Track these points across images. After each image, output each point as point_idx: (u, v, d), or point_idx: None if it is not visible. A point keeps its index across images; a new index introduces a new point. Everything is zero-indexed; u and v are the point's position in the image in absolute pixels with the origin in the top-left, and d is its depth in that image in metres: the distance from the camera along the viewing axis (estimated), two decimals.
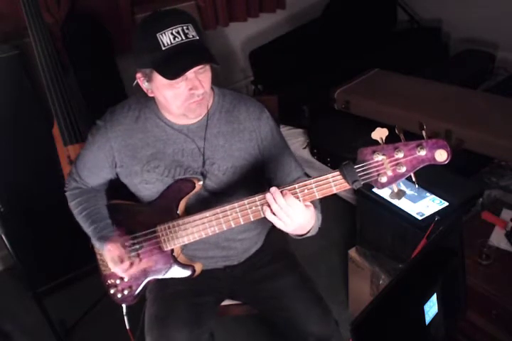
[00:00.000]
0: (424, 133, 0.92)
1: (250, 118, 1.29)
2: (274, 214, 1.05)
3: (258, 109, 1.30)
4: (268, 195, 1.04)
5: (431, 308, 1.07)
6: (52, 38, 1.91)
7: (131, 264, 1.28)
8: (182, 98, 1.15)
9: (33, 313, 2.04)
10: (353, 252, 1.90)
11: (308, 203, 1.07)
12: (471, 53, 3.13)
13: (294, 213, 1.04)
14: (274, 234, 1.52)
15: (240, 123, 1.28)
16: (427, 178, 1.55)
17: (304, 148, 2.78)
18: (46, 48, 1.81)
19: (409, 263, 1.10)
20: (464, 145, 2.16)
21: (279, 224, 1.07)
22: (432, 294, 1.08)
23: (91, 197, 1.38)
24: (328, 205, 1.09)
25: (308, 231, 1.15)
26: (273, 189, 1.04)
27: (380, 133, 0.95)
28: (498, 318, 1.47)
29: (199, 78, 1.13)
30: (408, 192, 1.69)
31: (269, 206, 1.05)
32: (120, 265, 1.27)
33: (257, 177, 1.35)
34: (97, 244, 1.34)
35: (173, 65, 1.07)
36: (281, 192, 1.03)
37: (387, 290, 0.97)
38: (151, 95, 1.21)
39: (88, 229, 1.34)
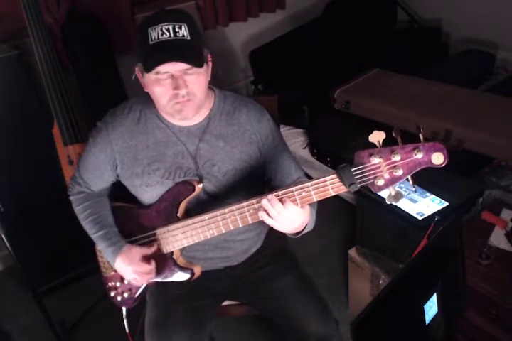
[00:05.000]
0: (421, 136, 0.92)
1: (251, 120, 1.28)
2: (271, 218, 1.06)
3: (259, 112, 1.30)
4: (264, 202, 1.05)
5: (431, 308, 1.07)
6: (53, 38, 1.91)
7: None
8: (166, 96, 1.15)
9: (33, 313, 2.04)
10: (353, 252, 1.90)
11: None
12: (471, 53, 3.13)
13: (291, 216, 1.05)
14: (273, 234, 1.51)
15: (241, 125, 1.28)
16: (427, 178, 1.56)
17: (304, 148, 2.78)
18: (46, 48, 1.80)
19: (409, 263, 1.10)
20: (463, 145, 2.16)
21: (277, 227, 1.08)
22: (432, 294, 1.08)
23: (96, 202, 1.37)
24: (328, 205, 1.09)
25: (304, 228, 1.15)
26: (270, 196, 1.04)
27: (377, 137, 0.95)
28: (498, 318, 1.47)
29: (185, 78, 1.13)
30: (408, 191, 1.69)
31: (265, 211, 1.05)
32: (147, 266, 1.23)
33: (257, 180, 1.34)
34: (106, 252, 1.29)
35: (152, 58, 1.09)
36: (280, 199, 1.04)
37: (387, 290, 0.97)
38: (146, 90, 1.21)
39: (95, 234, 1.32)
